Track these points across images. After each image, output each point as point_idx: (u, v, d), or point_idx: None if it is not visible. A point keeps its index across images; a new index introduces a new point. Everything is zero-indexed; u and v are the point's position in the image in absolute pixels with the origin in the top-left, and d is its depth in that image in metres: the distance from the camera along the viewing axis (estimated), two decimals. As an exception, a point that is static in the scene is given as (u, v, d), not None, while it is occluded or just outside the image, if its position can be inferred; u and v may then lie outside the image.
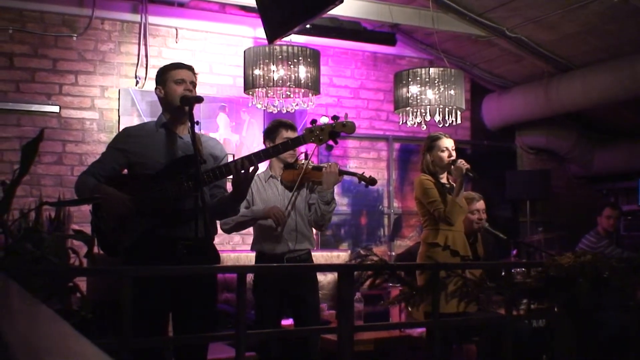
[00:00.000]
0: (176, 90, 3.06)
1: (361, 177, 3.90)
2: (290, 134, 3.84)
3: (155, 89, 3.16)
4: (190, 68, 3.17)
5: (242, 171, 2.95)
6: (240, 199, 3.08)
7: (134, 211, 2.92)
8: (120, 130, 4.38)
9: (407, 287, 2.79)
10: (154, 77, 3.18)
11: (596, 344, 2.64)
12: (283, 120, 4.01)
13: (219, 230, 3.65)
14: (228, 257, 5.12)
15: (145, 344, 2.70)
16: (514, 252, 5.62)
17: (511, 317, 2.85)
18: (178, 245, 2.94)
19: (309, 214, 3.93)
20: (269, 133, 3.96)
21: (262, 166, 3.76)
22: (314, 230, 4.14)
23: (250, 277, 4.03)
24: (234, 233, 4.34)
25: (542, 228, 6.72)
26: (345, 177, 4.18)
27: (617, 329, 3.08)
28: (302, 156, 4.00)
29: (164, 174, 2.99)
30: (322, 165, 3.96)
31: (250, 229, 4.04)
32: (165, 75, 3.13)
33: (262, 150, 3.10)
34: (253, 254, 4.03)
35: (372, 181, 3.91)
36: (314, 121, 3.11)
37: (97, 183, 2.99)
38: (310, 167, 3.88)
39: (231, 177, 3.02)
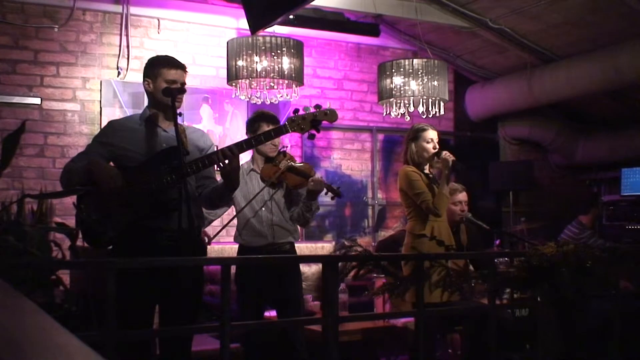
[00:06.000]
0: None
1: (329, 188, 3.90)
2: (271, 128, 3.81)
3: (144, 81, 3.14)
4: (183, 68, 3.16)
5: (226, 161, 2.95)
6: (232, 188, 3.09)
7: (125, 187, 2.91)
8: (105, 123, 4.35)
9: (391, 278, 2.81)
10: (136, 68, 3.16)
11: (579, 332, 2.66)
12: (265, 113, 3.95)
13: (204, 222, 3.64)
14: (212, 249, 5.10)
15: (128, 336, 2.69)
16: (497, 242, 5.66)
17: (494, 307, 2.87)
18: (161, 236, 2.94)
19: (292, 209, 3.92)
20: (250, 125, 3.92)
21: (245, 156, 3.74)
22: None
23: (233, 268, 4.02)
24: (218, 224, 4.35)
25: (524, 218, 6.75)
26: (330, 169, 4.18)
27: (600, 317, 3.11)
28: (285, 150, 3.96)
29: (148, 165, 2.99)
30: (300, 166, 3.91)
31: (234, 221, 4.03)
32: (157, 70, 3.10)
33: (244, 140, 3.06)
34: (237, 246, 4.03)
35: (337, 193, 3.95)
36: (296, 110, 3.09)
37: (91, 158, 2.98)
38: (287, 167, 3.83)
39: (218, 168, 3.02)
